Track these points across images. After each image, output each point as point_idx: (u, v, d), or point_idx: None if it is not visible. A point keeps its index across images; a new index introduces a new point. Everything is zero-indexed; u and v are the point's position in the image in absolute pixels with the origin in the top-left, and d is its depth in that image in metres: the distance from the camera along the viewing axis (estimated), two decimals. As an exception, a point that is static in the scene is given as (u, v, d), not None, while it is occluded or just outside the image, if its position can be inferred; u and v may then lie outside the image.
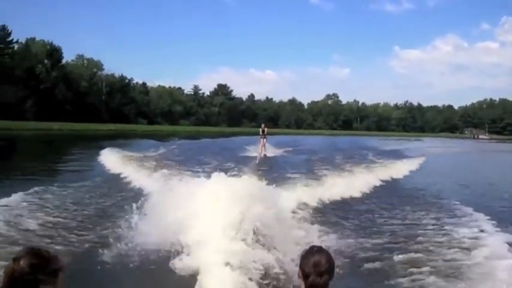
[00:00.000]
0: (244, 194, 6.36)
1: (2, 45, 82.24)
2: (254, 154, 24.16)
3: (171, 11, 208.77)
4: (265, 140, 25.36)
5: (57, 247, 6.45)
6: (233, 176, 8.27)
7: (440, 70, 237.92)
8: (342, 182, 13.46)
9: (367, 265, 6.44)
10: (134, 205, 7.32)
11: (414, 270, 6.04)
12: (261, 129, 25.90)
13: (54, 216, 8.41)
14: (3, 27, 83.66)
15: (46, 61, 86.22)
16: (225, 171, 8.85)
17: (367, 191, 12.95)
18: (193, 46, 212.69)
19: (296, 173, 15.41)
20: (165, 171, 14.21)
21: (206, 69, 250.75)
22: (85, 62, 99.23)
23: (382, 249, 7.18)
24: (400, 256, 6.68)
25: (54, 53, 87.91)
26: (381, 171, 17.16)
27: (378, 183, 14.49)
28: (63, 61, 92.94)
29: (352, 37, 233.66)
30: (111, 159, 18.49)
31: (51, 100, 79.34)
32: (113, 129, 70.11)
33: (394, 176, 16.64)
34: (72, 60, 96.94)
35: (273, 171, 16.22)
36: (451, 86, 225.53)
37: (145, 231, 6.62)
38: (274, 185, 8.46)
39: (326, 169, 16.84)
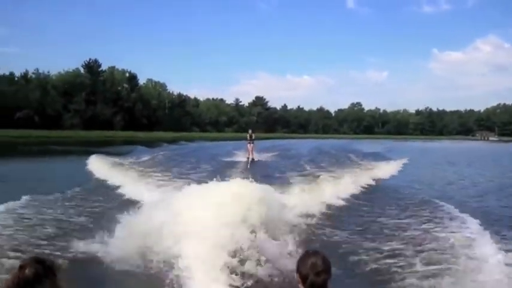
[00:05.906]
0: (238, 197, 7.02)
1: (95, 75, 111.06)
2: (243, 159, 24.82)
3: (209, 20, 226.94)
4: (252, 145, 25.26)
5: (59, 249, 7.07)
6: (224, 180, 8.47)
7: (480, 72, 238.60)
8: (328, 183, 13.74)
9: (363, 266, 6.62)
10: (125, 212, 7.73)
11: (413, 272, 6.17)
12: (248, 135, 25.74)
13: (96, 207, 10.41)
14: (96, 61, 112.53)
15: (126, 85, 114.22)
16: (216, 175, 8.95)
17: (355, 192, 13.26)
18: (232, 53, 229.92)
19: (283, 175, 16.40)
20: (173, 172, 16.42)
21: (245, 76, 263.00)
22: (153, 83, 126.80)
23: (377, 249, 7.32)
24: (400, 257, 6.85)
25: (132, 79, 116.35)
26: (366, 172, 18.14)
27: (363, 183, 14.89)
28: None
29: (390, 40, 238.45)
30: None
31: (132, 115, 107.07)
32: (178, 136, 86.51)
33: (377, 175, 17.60)
34: (144, 83, 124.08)
35: (261, 174, 16.74)
36: (492, 88, 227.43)
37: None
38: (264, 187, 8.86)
39: (314, 170, 17.88)
